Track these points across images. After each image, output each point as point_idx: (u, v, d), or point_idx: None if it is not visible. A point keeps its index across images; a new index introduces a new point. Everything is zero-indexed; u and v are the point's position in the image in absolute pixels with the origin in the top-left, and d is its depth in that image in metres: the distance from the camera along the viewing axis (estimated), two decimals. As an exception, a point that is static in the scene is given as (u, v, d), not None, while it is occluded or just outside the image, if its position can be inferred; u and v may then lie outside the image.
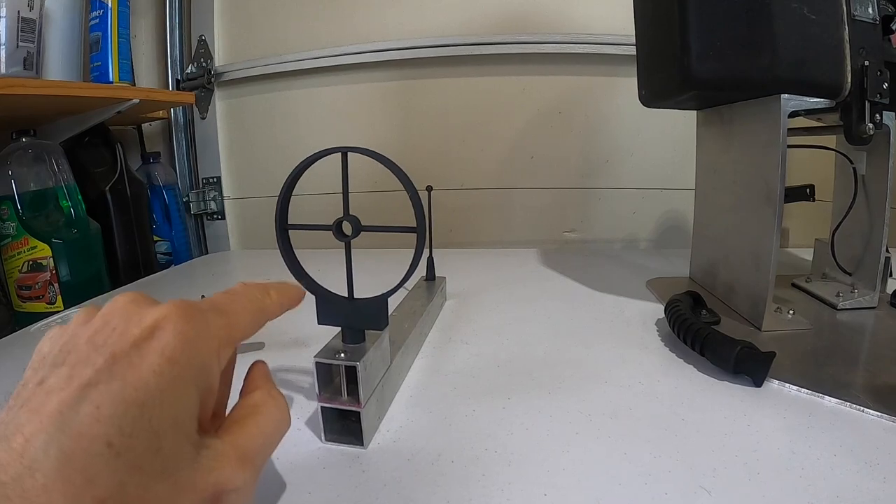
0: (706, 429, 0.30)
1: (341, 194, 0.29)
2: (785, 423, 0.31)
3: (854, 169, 0.50)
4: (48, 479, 0.14)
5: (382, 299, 0.30)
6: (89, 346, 0.17)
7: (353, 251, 0.30)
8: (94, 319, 0.19)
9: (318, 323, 0.30)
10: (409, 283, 0.54)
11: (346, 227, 0.29)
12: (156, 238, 0.84)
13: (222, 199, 0.92)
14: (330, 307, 0.30)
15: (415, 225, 0.28)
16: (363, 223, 0.28)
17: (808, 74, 0.41)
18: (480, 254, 0.77)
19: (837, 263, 0.52)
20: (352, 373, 0.28)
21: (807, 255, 0.59)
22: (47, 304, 0.66)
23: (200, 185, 0.92)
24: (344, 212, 0.29)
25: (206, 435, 0.19)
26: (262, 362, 0.25)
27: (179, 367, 0.17)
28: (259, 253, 0.87)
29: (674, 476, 0.26)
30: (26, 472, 0.14)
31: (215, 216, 0.93)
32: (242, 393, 0.23)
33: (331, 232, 0.29)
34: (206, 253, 0.95)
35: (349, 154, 0.28)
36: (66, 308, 0.65)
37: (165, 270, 0.78)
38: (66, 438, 0.14)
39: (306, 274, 0.30)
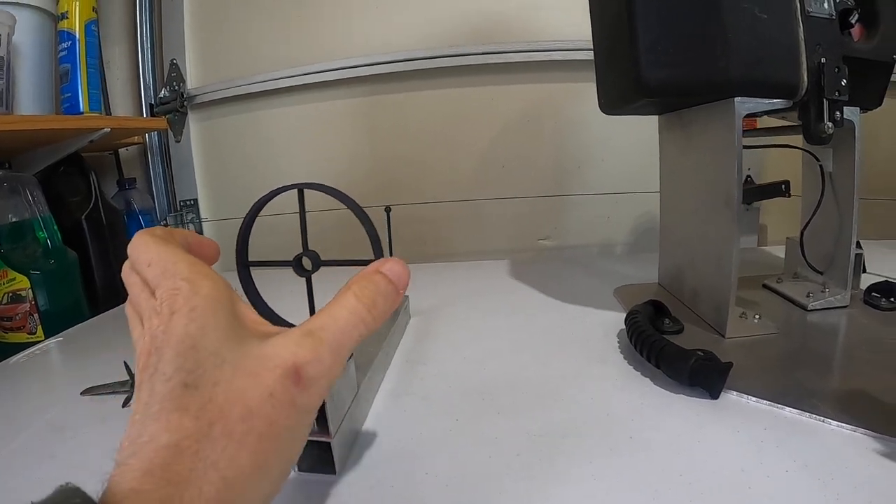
0: (654, 447, 0.30)
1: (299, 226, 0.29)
2: (737, 438, 0.30)
3: (821, 166, 0.49)
4: (144, 430, 0.18)
5: None
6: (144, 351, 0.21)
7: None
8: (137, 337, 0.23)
9: None
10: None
11: (307, 263, 0.29)
12: (135, 263, 0.84)
13: (200, 222, 0.92)
14: None
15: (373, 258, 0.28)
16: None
17: (763, 75, 0.40)
18: (451, 267, 0.76)
19: (808, 262, 0.51)
20: None
21: (780, 252, 0.58)
22: (28, 334, 0.66)
23: (178, 208, 0.92)
24: (303, 247, 0.29)
25: (277, 333, 0.22)
26: (374, 264, 0.25)
27: (198, 309, 0.20)
28: (240, 273, 0.87)
29: (612, 500, 0.26)
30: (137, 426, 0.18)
31: (194, 239, 0.93)
32: None
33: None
34: (187, 275, 0.95)
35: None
36: (46, 337, 0.65)
37: (144, 296, 0.78)
38: (152, 405, 0.18)
39: (270, 309, 0.30)
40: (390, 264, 0.25)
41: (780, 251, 0.62)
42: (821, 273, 0.50)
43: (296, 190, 0.29)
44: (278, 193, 0.28)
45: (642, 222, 0.82)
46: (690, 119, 0.48)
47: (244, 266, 0.30)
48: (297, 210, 0.30)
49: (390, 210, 0.47)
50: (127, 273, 0.25)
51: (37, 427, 0.37)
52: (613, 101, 0.49)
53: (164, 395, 0.18)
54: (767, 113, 0.44)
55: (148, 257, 0.23)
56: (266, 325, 0.24)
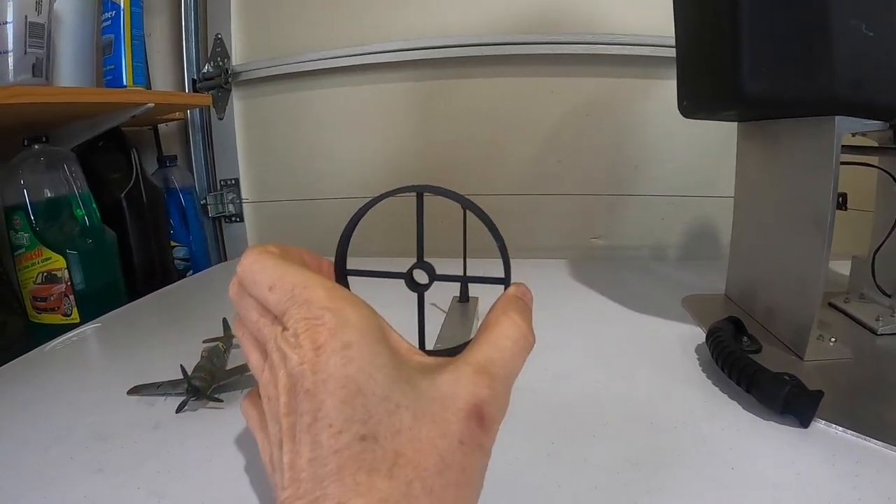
0: (755, 479, 0.29)
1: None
2: (833, 471, 0.30)
3: (898, 188, 0.48)
4: (323, 490, 0.16)
5: (459, 351, 0.29)
6: (282, 389, 0.19)
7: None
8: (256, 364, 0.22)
9: None
10: (444, 304, 0.52)
11: (420, 276, 0.26)
12: (173, 243, 0.82)
13: (241, 202, 0.90)
14: None
15: (503, 276, 0.26)
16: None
17: (865, 96, 0.38)
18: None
19: (878, 286, 0.50)
20: None
21: (839, 266, 0.57)
22: (63, 315, 0.64)
23: (218, 188, 0.90)
24: (418, 258, 0.26)
25: (439, 366, 0.20)
26: (513, 287, 0.25)
27: (354, 346, 0.18)
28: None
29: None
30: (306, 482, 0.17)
31: (234, 219, 0.91)
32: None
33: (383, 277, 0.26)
34: (225, 257, 0.94)
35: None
36: (82, 319, 0.64)
37: (183, 280, 0.76)
38: (325, 462, 0.16)
39: None
40: (523, 288, 0.25)
41: (837, 266, 0.62)
42: (888, 296, 0.50)
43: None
44: (392, 195, 0.25)
45: (696, 226, 0.81)
46: (776, 131, 0.46)
47: (342, 276, 0.28)
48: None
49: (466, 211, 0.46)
50: (238, 295, 0.23)
51: (79, 431, 0.35)
52: (700, 105, 0.47)
53: (336, 449, 0.16)
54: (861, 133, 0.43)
55: (268, 279, 0.20)
56: (420, 355, 0.23)
